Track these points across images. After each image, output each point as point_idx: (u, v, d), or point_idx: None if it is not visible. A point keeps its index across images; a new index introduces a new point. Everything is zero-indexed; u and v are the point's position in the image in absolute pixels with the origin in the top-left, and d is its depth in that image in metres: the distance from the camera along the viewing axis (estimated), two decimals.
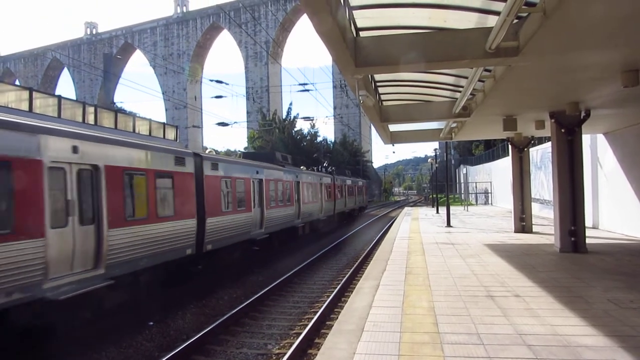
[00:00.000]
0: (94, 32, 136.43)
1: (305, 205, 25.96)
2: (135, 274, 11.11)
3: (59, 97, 10.80)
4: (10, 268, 7.56)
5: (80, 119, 11.12)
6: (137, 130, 13.10)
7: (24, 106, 9.55)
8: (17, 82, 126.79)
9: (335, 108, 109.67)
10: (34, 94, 9.92)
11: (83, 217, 9.46)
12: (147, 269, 11.52)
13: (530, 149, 21.60)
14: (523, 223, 19.51)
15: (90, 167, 9.78)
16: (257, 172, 19.23)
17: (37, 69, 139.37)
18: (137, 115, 14.99)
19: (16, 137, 7.98)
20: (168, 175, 12.69)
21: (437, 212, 35.68)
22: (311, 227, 27.24)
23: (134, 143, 11.64)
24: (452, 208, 28.52)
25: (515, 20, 7.32)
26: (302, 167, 28.50)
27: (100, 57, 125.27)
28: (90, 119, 11.56)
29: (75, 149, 9.34)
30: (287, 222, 22.77)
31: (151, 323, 10.60)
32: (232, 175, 16.73)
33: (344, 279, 14.52)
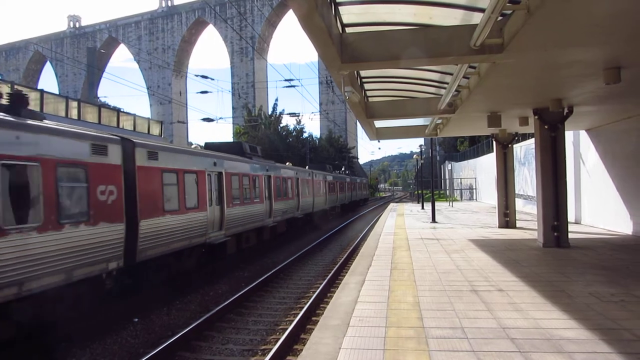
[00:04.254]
0: (77, 25, 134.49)
1: (341, 194, 43.66)
2: (313, 214, 31.25)
3: (42, 91, 10.69)
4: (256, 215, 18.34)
5: (63, 114, 11.00)
6: (121, 126, 13.04)
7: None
8: None
9: (321, 104, 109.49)
10: (16, 88, 9.79)
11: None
12: (317, 212, 32.05)
13: (514, 146, 21.85)
14: (507, 218, 19.73)
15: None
16: (325, 177, 36.44)
17: (19, 62, 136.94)
18: (122, 110, 14.90)
19: (200, 160, 14.75)
20: (309, 180, 30.92)
21: (422, 208, 35.90)
22: (342, 207, 44.55)
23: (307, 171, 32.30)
24: (437, 204, 28.75)
25: (500, 18, 7.38)
26: (334, 171, 46.27)
27: (83, 51, 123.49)
28: (74, 113, 11.44)
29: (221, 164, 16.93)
30: (335, 202, 40.58)
31: (136, 319, 10.53)
32: (318, 179, 33.74)
33: (330, 274, 14.54)
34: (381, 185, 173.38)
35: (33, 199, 8.16)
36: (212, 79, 32.66)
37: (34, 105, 10.14)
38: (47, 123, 8.92)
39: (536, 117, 13.97)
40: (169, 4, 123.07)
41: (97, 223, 9.64)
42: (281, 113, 68.30)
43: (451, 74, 11.50)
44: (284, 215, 24.29)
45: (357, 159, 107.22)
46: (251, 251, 19.26)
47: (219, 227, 15.71)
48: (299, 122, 69.01)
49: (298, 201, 27.51)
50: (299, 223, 28.02)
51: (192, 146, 21.42)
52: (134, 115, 14.21)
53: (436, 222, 22.98)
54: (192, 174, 13.94)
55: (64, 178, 8.93)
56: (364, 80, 13.70)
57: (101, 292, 10.22)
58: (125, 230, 10.56)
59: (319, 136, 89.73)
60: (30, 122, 8.43)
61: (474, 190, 48.11)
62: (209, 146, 20.87)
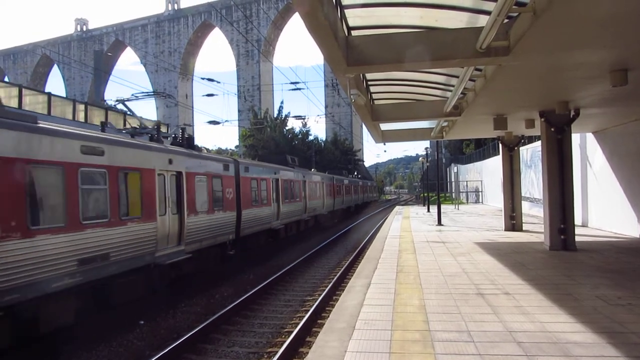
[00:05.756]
0: (85, 28, 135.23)
1: (355, 196, 51.05)
2: (334, 211, 38.83)
3: (49, 94, 10.77)
4: (297, 210, 26.19)
5: (70, 117, 11.08)
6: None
7: (14, 103, 9.51)
8: (6, 79, 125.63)
9: (326, 107, 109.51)
10: (24, 91, 9.90)
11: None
12: (337, 210, 40.16)
13: (521, 148, 21.75)
14: (513, 221, 19.64)
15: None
16: (343, 181, 43.00)
17: (26, 65, 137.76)
18: (128, 113, 15.06)
19: (267, 170, 21.60)
20: (331, 184, 37.79)
21: (428, 210, 35.83)
22: (355, 207, 51.18)
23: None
24: (443, 207, 28.66)
25: (506, 20, 7.36)
26: (348, 176, 55.47)
27: (90, 54, 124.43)
28: (81, 116, 11.52)
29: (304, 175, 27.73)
30: (351, 203, 47.71)
31: (142, 322, 10.56)
32: (338, 183, 40.18)
33: (336, 277, 14.54)
34: (387, 188, 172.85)
35: (204, 196, 14.38)
36: (218, 82, 32.86)
37: (41, 109, 10.26)
38: (205, 153, 16.26)
39: (542, 119, 13.91)
40: (175, 7, 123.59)
41: (226, 211, 15.99)
42: (287, 116, 68.33)
43: (457, 77, 11.47)
44: (314, 212, 30.72)
45: (363, 161, 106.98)
46: (295, 236, 25.82)
47: (277, 218, 22.29)
48: (304, 125, 69.08)
49: (323, 201, 33.95)
50: (323, 219, 33.94)
51: None
52: (141, 117, 14.34)
53: (442, 225, 22.92)
54: (264, 180, 20.62)
55: (214, 184, 15.17)
56: (369, 82, 13.70)
57: (226, 253, 16.21)
58: (236, 216, 16.78)
59: (324, 139, 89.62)
60: (202, 153, 15.42)
61: (480, 192, 47.95)
62: (261, 158, 31.19)
